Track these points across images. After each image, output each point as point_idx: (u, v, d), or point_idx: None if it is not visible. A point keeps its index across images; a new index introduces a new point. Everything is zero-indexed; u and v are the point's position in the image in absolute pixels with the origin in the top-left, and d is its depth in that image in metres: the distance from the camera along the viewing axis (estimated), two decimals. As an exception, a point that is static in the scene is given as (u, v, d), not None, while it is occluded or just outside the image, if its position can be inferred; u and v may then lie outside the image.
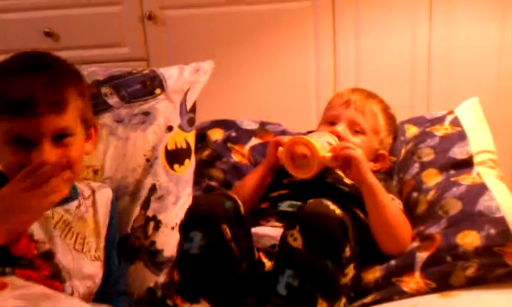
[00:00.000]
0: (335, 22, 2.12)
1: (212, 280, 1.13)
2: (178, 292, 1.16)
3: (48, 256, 1.17)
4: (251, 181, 1.50)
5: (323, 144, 1.40)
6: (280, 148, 1.43)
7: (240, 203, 1.21)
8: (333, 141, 1.45)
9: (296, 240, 1.12)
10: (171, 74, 1.62)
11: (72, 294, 1.17)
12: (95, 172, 1.46)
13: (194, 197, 1.32)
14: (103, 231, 1.30)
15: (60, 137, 1.14)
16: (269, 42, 2.17)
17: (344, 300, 1.22)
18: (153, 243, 1.42)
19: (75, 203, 1.26)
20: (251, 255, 1.23)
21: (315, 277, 1.10)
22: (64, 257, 1.18)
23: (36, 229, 1.16)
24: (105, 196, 1.35)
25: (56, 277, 1.16)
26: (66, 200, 1.21)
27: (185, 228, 1.18)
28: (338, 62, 2.14)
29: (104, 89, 1.57)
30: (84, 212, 1.28)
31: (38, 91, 1.09)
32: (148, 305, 1.36)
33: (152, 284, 1.38)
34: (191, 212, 1.18)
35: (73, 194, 1.26)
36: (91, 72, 1.63)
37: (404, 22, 2.10)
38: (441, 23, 2.08)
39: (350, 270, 1.19)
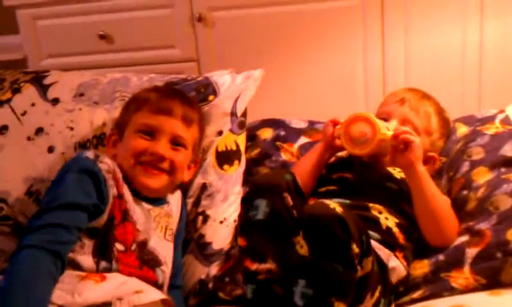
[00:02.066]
0: (384, 21, 2.13)
1: (278, 243, 1.18)
2: (247, 255, 1.23)
3: (143, 245, 1.34)
4: (306, 164, 1.51)
5: (383, 124, 1.40)
6: (338, 126, 1.43)
7: (296, 176, 1.27)
8: (390, 127, 1.43)
9: (303, 248, 1.17)
10: (223, 81, 1.67)
11: (162, 279, 1.35)
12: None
13: (257, 175, 1.39)
14: (174, 227, 1.44)
15: (176, 143, 1.41)
16: (317, 41, 2.19)
17: (378, 289, 1.22)
18: (202, 236, 1.48)
19: (165, 205, 1.44)
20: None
21: (327, 283, 1.12)
22: (158, 245, 1.36)
23: (139, 220, 1.35)
24: (177, 195, 1.49)
25: (147, 264, 1.33)
26: (161, 202, 1.42)
27: (249, 197, 1.24)
28: (387, 62, 2.14)
29: None
30: (169, 209, 1.44)
31: (178, 105, 1.44)
32: (199, 297, 1.40)
33: (203, 276, 1.42)
34: (254, 184, 1.26)
35: (166, 198, 1.45)
36: (151, 79, 1.70)
37: (454, 19, 2.08)
38: (492, 20, 2.05)
39: (368, 264, 1.19)
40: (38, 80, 1.71)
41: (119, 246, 1.29)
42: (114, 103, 1.65)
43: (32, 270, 1.15)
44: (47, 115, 1.64)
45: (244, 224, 1.24)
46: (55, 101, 1.66)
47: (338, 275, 1.12)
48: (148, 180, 1.38)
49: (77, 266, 1.24)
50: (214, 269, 1.44)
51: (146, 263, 1.33)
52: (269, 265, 1.17)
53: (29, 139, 1.61)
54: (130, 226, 1.32)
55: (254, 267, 1.18)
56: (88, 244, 1.26)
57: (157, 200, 1.42)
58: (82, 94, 1.67)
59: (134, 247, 1.32)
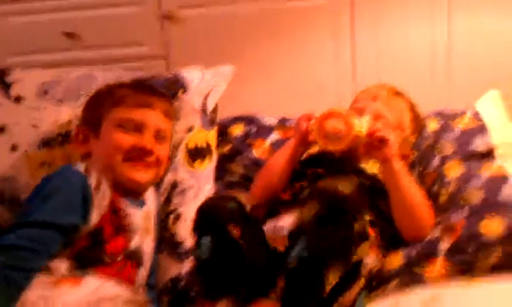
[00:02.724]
0: (354, 17, 2.12)
1: (229, 279, 1.16)
2: (201, 295, 1.21)
3: (130, 252, 1.32)
4: (279, 160, 1.49)
5: (357, 121, 1.38)
6: (312, 121, 1.42)
7: (243, 202, 1.24)
8: (364, 122, 1.42)
9: (309, 213, 1.15)
10: (193, 78, 1.65)
11: (141, 280, 1.35)
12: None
13: (201, 203, 1.30)
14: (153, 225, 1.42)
15: (159, 137, 1.39)
16: (287, 38, 2.18)
17: (362, 281, 1.22)
18: (173, 235, 1.45)
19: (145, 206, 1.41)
20: (264, 248, 1.24)
21: (324, 251, 1.12)
22: (143, 246, 1.35)
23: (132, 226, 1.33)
24: (150, 193, 1.45)
25: (131, 265, 1.32)
26: (141, 202, 1.40)
27: (196, 234, 1.23)
28: (358, 59, 2.14)
29: None
30: (148, 209, 1.42)
31: (157, 99, 1.43)
32: (171, 295, 1.37)
33: (175, 275, 1.40)
34: (197, 219, 1.23)
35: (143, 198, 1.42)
36: (117, 76, 1.66)
37: (423, 15, 2.09)
38: (460, 16, 2.07)
39: (363, 250, 1.20)
40: (0, 78, 1.66)
41: (106, 259, 1.26)
42: (80, 100, 1.60)
43: None
44: (9, 113, 1.59)
45: (196, 263, 1.24)
46: (18, 99, 1.62)
47: (336, 246, 1.13)
48: (137, 175, 1.35)
49: (46, 269, 1.19)
50: (186, 267, 1.41)
51: (130, 263, 1.31)
52: (224, 304, 1.15)
53: (-9, 137, 1.57)
54: (121, 239, 1.29)
55: None
56: (65, 253, 1.22)
57: (139, 200, 1.39)
58: (46, 92, 1.63)
59: (120, 257, 1.29)
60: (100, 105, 1.42)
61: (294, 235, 1.18)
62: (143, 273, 1.35)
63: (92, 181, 1.27)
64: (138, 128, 1.37)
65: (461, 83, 2.08)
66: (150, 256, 1.38)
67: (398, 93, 1.58)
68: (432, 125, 1.66)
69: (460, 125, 1.60)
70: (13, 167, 1.52)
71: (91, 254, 1.24)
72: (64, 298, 1.14)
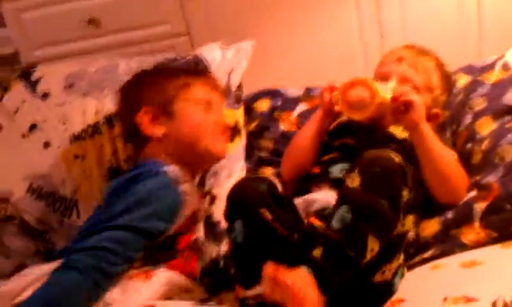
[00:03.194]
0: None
1: (264, 263, 1.12)
2: (236, 280, 1.21)
3: (194, 242, 1.36)
4: (306, 134, 1.47)
5: (381, 87, 1.36)
6: (335, 92, 1.40)
7: (275, 182, 1.21)
8: (389, 88, 1.39)
9: (354, 181, 1.13)
10: (214, 57, 1.64)
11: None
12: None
13: (232, 186, 1.28)
14: None
15: None
16: (309, 5, 2.12)
17: (402, 257, 1.21)
18: (210, 216, 1.45)
19: None
20: (300, 226, 1.24)
21: (369, 214, 1.11)
22: (200, 233, 1.39)
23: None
24: None
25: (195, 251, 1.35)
26: None
27: (227, 218, 1.21)
28: (383, 18, 2.07)
29: None
30: None
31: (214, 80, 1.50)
32: (212, 275, 1.38)
33: (214, 255, 1.40)
34: (228, 202, 1.21)
35: None
36: (139, 62, 1.67)
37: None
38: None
39: (409, 222, 1.19)
40: (26, 76, 1.69)
41: (176, 254, 1.29)
42: (105, 91, 1.63)
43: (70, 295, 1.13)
44: (38, 111, 1.62)
45: (231, 247, 1.22)
46: (45, 96, 1.64)
47: (382, 210, 1.11)
48: (221, 147, 1.43)
49: None
50: (223, 248, 1.43)
51: (193, 253, 1.34)
52: (258, 291, 1.13)
53: (23, 136, 1.60)
54: (190, 234, 1.33)
55: (243, 293, 1.16)
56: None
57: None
58: (71, 86, 1.65)
59: (186, 250, 1.32)
60: (167, 86, 1.42)
61: (339, 196, 1.16)
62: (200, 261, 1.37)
63: (185, 187, 1.29)
64: (210, 105, 1.42)
65: (493, 32, 2.00)
66: (202, 243, 1.39)
67: (424, 52, 1.52)
68: (462, 81, 1.61)
69: (490, 79, 1.55)
70: (48, 164, 1.55)
71: (165, 251, 1.27)
72: (138, 291, 1.17)
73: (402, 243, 1.21)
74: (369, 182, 1.12)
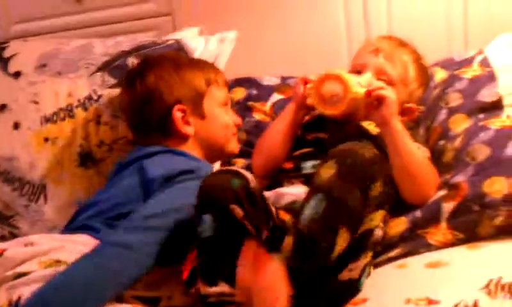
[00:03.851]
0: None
1: (228, 261, 1.11)
2: (199, 276, 1.15)
3: None
4: (279, 127, 1.45)
5: (355, 81, 1.34)
6: (309, 85, 1.38)
7: (249, 177, 1.16)
8: (363, 82, 1.37)
9: (329, 170, 1.11)
10: (196, 46, 1.62)
11: None
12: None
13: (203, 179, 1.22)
14: None
15: None
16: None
17: (369, 254, 1.20)
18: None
19: None
20: (272, 221, 1.22)
21: (344, 204, 1.09)
22: None
23: None
24: None
25: None
26: None
27: (197, 210, 1.16)
28: (369, 6, 2.04)
29: (131, 60, 1.59)
30: None
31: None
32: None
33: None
34: (199, 195, 1.16)
35: None
36: (116, 43, 1.64)
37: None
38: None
39: (378, 218, 1.17)
40: (-2, 53, 1.66)
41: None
42: (79, 72, 1.60)
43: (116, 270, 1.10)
44: (9, 90, 1.60)
45: (196, 241, 1.16)
46: (17, 74, 1.61)
47: (356, 203, 1.10)
48: (236, 148, 1.48)
49: None
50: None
51: None
52: (220, 288, 1.11)
53: (-8, 116, 1.58)
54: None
55: (204, 290, 1.12)
56: None
57: None
58: (44, 65, 1.62)
59: None
60: (198, 81, 1.40)
61: (311, 190, 1.14)
62: None
63: None
64: (227, 105, 1.45)
65: (478, 33, 1.98)
66: None
67: (401, 44, 1.50)
68: (440, 75, 1.60)
69: (468, 74, 1.54)
70: (17, 145, 1.53)
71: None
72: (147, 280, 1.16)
73: (370, 240, 1.19)
74: (345, 172, 1.10)
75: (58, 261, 1.09)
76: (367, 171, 1.12)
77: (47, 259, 1.10)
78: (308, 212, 1.10)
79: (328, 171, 1.11)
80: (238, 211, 1.11)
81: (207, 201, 1.13)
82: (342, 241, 1.10)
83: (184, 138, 1.37)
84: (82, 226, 1.25)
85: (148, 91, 1.37)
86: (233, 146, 1.46)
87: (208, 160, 1.41)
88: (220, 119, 1.42)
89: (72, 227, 1.29)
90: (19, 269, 1.08)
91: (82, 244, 1.16)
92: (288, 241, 1.10)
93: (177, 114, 1.36)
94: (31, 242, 1.15)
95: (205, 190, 1.15)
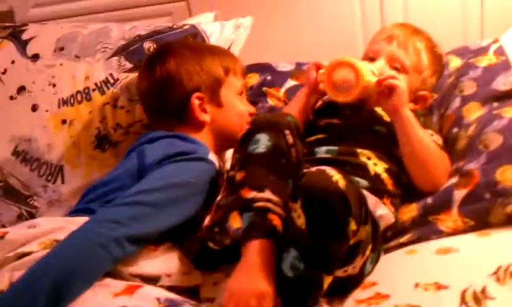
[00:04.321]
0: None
1: (277, 176, 1.14)
2: (245, 185, 1.15)
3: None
4: (291, 110, 1.44)
5: (367, 69, 1.34)
6: (321, 70, 1.39)
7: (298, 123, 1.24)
8: (375, 70, 1.38)
9: (300, 218, 1.06)
10: (212, 31, 1.62)
11: None
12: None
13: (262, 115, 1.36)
14: None
15: None
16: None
17: (369, 248, 1.18)
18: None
19: None
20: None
21: (319, 260, 1.06)
22: None
23: None
24: None
25: None
26: None
27: (249, 133, 1.20)
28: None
29: (148, 44, 1.60)
30: None
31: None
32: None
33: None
34: (255, 122, 1.22)
35: None
36: (133, 27, 1.66)
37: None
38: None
39: (362, 232, 1.13)
40: (16, 35, 1.68)
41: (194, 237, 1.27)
42: (96, 56, 1.62)
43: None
44: (27, 72, 1.61)
45: (244, 158, 1.18)
46: (35, 57, 1.63)
47: (332, 251, 1.06)
48: None
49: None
50: (204, 220, 1.43)
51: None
52: (267, 194, 1.11)
53: (11, 98, 1.60)
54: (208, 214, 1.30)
55: (251, 194, 1.12)
56: None
57: None
58: (62, 49, 1.64)
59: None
60: (216, 68, 1.41)
61: (288, 232, 1.09)
62: None
63: (222, 178, 1.28)
64: (242, 94, 1.46)
65: (494, 23, 1.96)
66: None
67: (415, 32, 1.50)
68: (454, 63, 1.60)
69: (483, 62, 1.54)
70: (35, 127, 1.55)
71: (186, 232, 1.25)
72: (143, 262, 1.15)
73: (360, 246, 1.15)
74: (314, 223, 1.05)
75: (57, 241, 1.11)
76: (336, 215, 1.04)
77: (46, 240, 1.12)
78: (287, 271, 1.06)
79: (298, 219, 1.06)
80: (289, 138, 1.18)
81: (264, 124, 1.20)
82: (328, 280, 1.08)
83: (200, 125, 1.39)
84: (83, 209, 1.28)
85: (169, 76, 1.38)
86: None
87: (219, 148, 1.42)
88: (236, 108, 1.43)
89: (75, 210, 1.32)
90: (20, 250, 1.10)
91: None
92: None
93: (195, 102, 1.37)
94: (34, 224, 1.18)
95: (261, 118, 1.25)
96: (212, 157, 1.31)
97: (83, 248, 1.07)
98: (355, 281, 1.18)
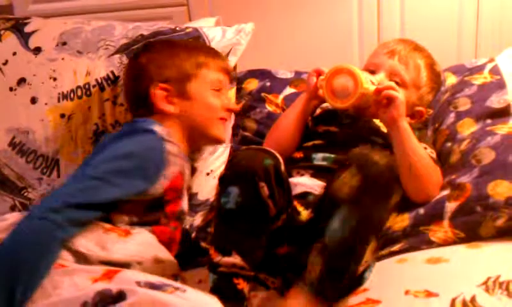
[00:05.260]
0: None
1: (246, 235, 1.15)
2: (213, 243, 1.19)
3: (182, 211, 1.35)
4: (290, 116, 1.48)
5: (366, 78, 1.37)
6: (321, 77, 1.41)
7: (281, 160, 1.21)
8: (375, 80, 1.41)
9: (352, 180, 1.13)
10: (214, 35, 1.64)
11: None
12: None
13: (235, 152, 1.31)
14: None
15: None
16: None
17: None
18: (188, 187, 1.46)
19: None
20: (289, 208, 1.25)
21: (370, 219, 1.13)
22: (185, 204, 1.37)
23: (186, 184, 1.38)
24: None
25: (180, 221, 1.36)
26: None
27: (223, 181, 1.19)
28: (382, 9, 2.08)
29: None
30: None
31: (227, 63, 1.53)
32: (182, 245, 1.39)
33: (187, 226, 1.43)
34: (230, 167, 1.20)
35: None
36: (136, 27, 1.67)
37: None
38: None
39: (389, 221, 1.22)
40: (19, 27, 1.68)
41: (163, 220, 1.29)
42: (98, 52, 1.63)
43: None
44: (29, 65, 1.62)
45: (217, 211, 1.21)
46: (37, 50, 1.64)
47: (380, 213, 1.14)
48: (223, 134, 1.46)
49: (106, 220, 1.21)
50: (197, 219, 1.45)
51: (179, 224, 1.35)
52: (232, 259, 1.14)
53: (11, 89, 1.60)
54: (180, 202, 1.33)
55: (217, 258, 1.15)
56: (125, 208, 1.23)
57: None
58: (64, 43, 1.65)
59: (174, 219, 1.32)
60: (186, 62, 1.42)
61: (330, 204, 1.16)
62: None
63: (171, 148, 1.29)
64: (219, 89, 1.44)
65: (490, 35, 2.01)
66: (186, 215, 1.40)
67: (417, 49, 1.53)
68: (451, 80, 1.64)
69: (478, 80, 1.57)
70: (33, 119, 1.56)
71: (152, 214, 1.27)
72: (112, 246, 1.16)
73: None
74: (370, 185, 1.13)
75: None
76: (390, 183, 1.15)
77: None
78: (337, 225, 1.11)
79: (350, 181, 1.13)
80: (265, 190, 1.15)
81: (236, 173, 1.17)
82: (370, 252, 1.14)
83: (166, 115, 1.39)
84: None
85: (138, 70, 1.43)
86: (219, 132, 1.44)
87: (193, 143, 1.43)
88: (205, 101, 1.41)
89: None
90: None
91: None
92: (316, 263, 1.14)
93: (158, 92, 1.39)
94: (5, 218, 1.20)
95: (236, 162, 1.18)
96: (160, 129, 1.32)
97: (24, 225, 1.10)
98: (354, 285, 1.19)
